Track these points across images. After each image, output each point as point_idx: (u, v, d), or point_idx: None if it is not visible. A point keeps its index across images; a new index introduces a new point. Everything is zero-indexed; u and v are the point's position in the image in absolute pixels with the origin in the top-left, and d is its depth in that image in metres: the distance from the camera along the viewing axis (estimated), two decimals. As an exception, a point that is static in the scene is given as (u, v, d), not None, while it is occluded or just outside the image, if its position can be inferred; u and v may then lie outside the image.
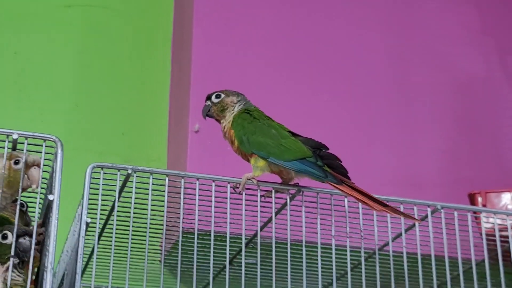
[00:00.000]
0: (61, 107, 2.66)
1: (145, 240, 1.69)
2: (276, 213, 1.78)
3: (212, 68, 2.50)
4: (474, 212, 1.99)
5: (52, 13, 2.76)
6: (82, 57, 2.74)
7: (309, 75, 2.59)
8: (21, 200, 1.73)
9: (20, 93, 2.63)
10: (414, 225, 1.83)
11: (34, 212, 1.72)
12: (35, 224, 1.63)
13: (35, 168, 1.63)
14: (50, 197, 1.54)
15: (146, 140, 2.69)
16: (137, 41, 2.82)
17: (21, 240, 1.58)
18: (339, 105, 2.57)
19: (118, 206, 1.74)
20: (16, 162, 1.64)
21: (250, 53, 2.56)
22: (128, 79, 2.76)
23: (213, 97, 1.82)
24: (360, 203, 1.78)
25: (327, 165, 1.73)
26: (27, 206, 1.85)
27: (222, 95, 1.82)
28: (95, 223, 1.67)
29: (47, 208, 1.66)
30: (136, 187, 1.69)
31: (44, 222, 1.70)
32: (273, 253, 1.73)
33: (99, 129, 2.67)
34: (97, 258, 2.03)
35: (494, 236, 1.89)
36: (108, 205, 1.75)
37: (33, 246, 1.52)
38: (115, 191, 1.69)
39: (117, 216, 1.75)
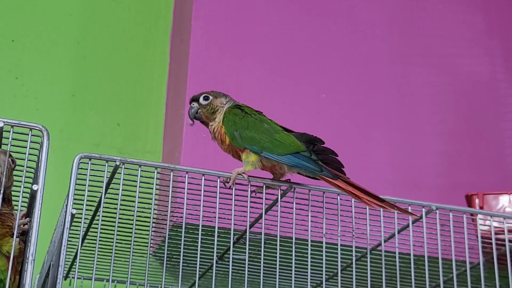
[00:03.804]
0: (58, 96, 2.63)
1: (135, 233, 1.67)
2: (267, 210, 1.74)
3: (209, 62, 2.47)
4: (471, 214, 1.95)
5: (51, 2, 2.73)
6: (80, 47, 2.71)
7: (308, 73, 2.55)
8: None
9: (16, 81, 2.60)
10: (408, 225, 1.80)
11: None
12: (17, 214, 1.60)
13: None
14: (34, 187, 1.51)
15: (142, 132, 2.66)
16: (136, 32, 2.79)
17: None
18: (337, 104, 2.54)
19: (107, 198, 1.71)
20: None
21: (248, 49, 2.53)
22: (126, 71, 2.73)
23: (201, 99, 1.77)
24: (353, 201, 1.74)
25: (322, 160, 1.69)
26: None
27: (210, 97, 1.76)
28: (81, 214, 1.63)
29: (31, 198, 1.63)
30: (124, 179, 1.66)
31: (29, 212, 1.67)
32: (262, 250, 1.69)
33: (95, 119, 2.64)
34: (87, 251, 2.03)
35: (491, 239, 1.86)
36: (97, 197, 1.71)
37: (14, 237, 1.48)
38: (103, 182, 1.66)
39: (106, 208, 1.72)
